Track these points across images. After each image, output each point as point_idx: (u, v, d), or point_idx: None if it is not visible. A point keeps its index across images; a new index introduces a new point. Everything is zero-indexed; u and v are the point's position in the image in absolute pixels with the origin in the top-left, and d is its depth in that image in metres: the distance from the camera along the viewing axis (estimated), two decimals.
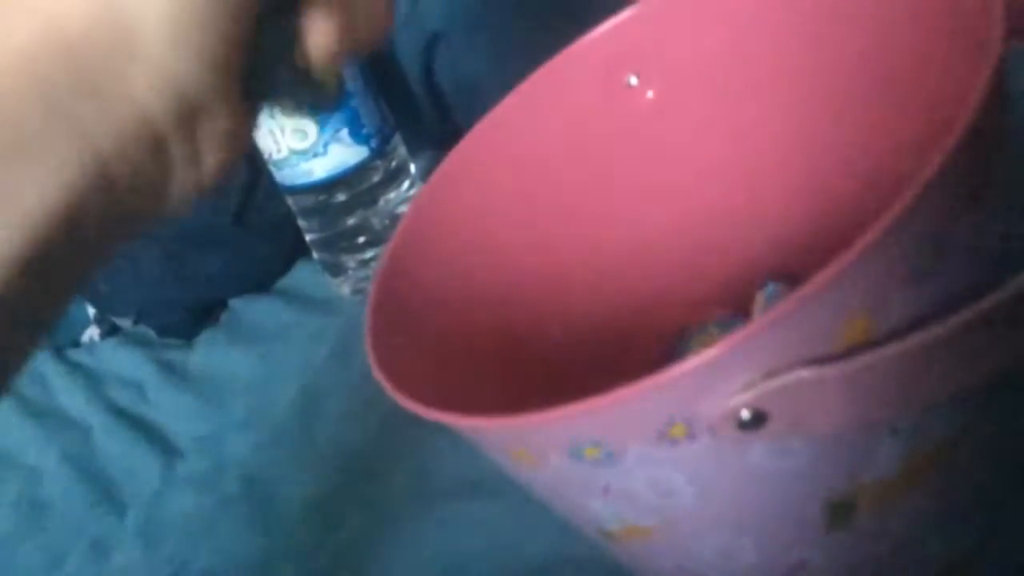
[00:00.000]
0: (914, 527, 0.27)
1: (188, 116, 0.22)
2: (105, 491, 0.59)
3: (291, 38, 0.25)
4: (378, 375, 0.30)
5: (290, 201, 0.62)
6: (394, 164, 0.61)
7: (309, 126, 0.57)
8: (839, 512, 0.26)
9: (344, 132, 0.58)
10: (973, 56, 0.26)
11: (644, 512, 0.28)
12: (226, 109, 0.23)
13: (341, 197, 0.60)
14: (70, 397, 0.67)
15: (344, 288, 0.64)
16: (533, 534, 0.43)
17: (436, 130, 0.67)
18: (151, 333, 0.70)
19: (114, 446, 0.62)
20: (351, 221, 0.61)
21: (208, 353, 0.67)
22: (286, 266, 0.70)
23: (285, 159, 0.58)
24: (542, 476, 0.29)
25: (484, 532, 0.45)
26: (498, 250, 0.40)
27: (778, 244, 0.42)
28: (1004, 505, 0.29)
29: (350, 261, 0.63)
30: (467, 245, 0.40)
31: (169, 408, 0.63)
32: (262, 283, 0.70)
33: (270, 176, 0.61)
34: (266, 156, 0.59)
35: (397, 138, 0.62)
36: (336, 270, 0.64)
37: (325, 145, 0.58)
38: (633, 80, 0.40)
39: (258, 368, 0.63)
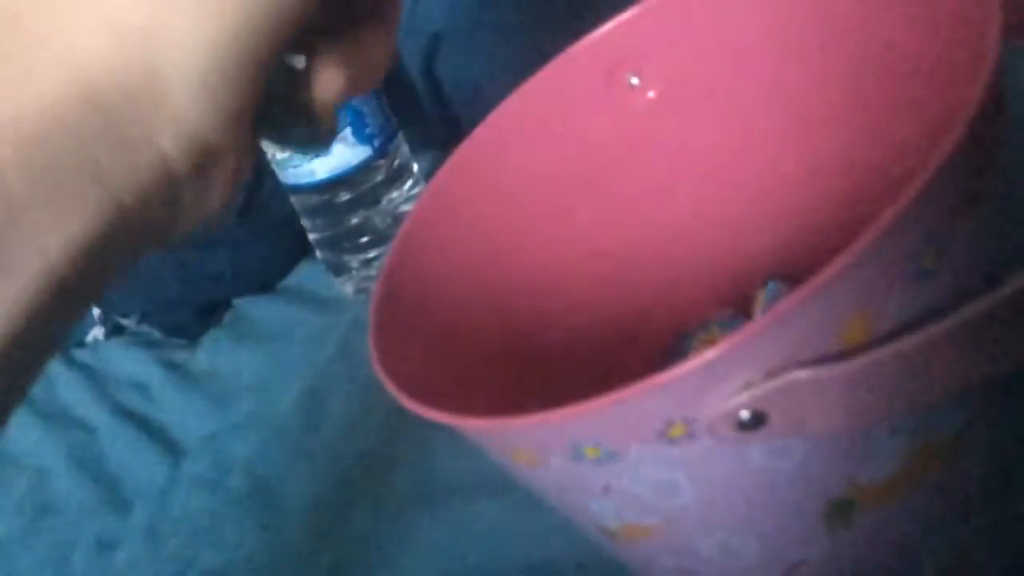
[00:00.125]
0: (914, 526, 0.28)
1: (203, 160, 0.23)
2: (111, 490, 0.59)
3: (299, 83, 0.26)
4: (381, 375, 0.31)
5: (293, 201, 0.62)
6: (397, 163, 0.62)
7: None
8: (839, 511, 0.26)
9: (347, 132, 0.58)
10: (971, 55, 0.26)
11: (645, 511, 0.28)
12: (237, 150, 0.23)
13: (344, 197, 0.60)
14: (75, 397, 0.67)
15: (347, 287, 0.64)
16: (535, 533, 0.43)
17: (438, 130, 0.67)
18: (156, 333, 0.71)
19: (119, 446, 0.62)
20: (354, 221, 0.61)
21: (213, 353, 0.67)
22: (290, 266, 0.70)
23: (288, 159, 0.58)
24: (543, 476, 0.29)
25: (487, 531, 0.45)
26: (501, 250, 0.40)
27: (779, 243, 0.42)
28: (1004, 504, 0.29)
29: (353, 261, 0.63)
30: (470, 245, 0.40)
31: (174, 408, 0.64)
32: (266, 283, 0.70)
33: (273, 176, 0.61)
34: (269, 156, 0.59)
35: (400, 138, 0.62)
36: (339, 269, 0.64)
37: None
38: (634, 80, 0.40)
39: (262, 368, 0.63)
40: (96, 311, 0.72)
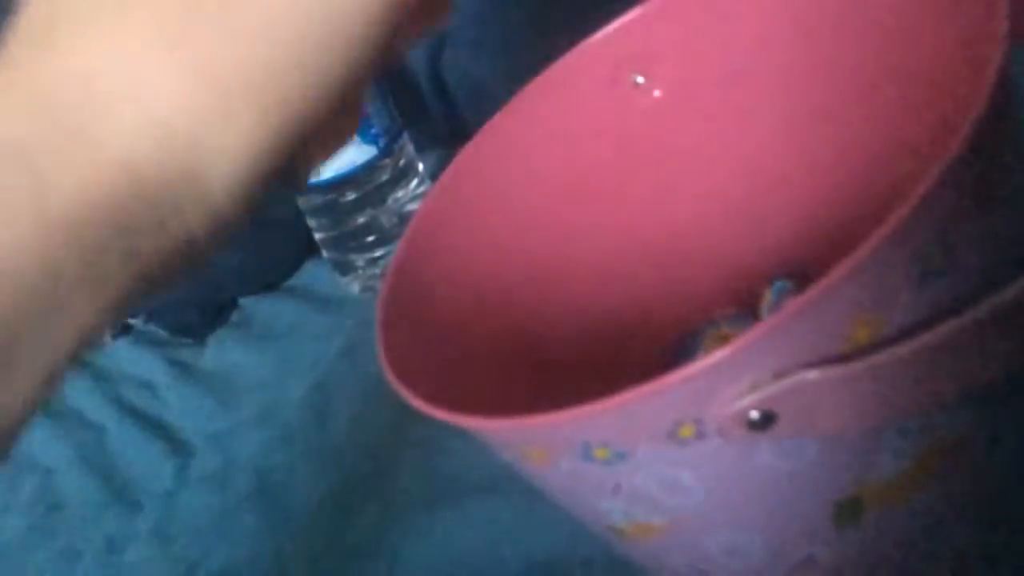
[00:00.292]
0: (922, 526, 0.28)
1: (222, 235, 0.25)
2: (119, 490, 0.60)
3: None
4: (389, 375, 0.31)
5: (299, 200, 0.62)
6: (402, 163, 0.62)
7: None
8: (847, 511, 0.27)
9: None
10: (979, 56, 0.26)
11: (654, 510, 0.28)
12: (246, 218, 0.25)
13: (350, 196, 0.60)
14: (83, 397, 0.67)
15: (354, 286, 0.64)
16: (542, 531, 0.43)
17: (444, 128, 0.67)
18: (162, 333, 0.71)
19: (127, 445, 0.62)
20: (360, 220, 0.62)
21: (219, 352, 0.67)
22: (296, 265, 0.71)
23: None
24: (552, 475, 0.29)
25: (494, 528, 0.45)
26: (507, 249, 0.41)
27: (786, 241, 0.42)
28: (1013, 504, 0.29)
29: (359, 260, 0.63)
30: (477, 244, 0.40)
31: (181, 407, 0.64)
32: (272, 282, 0.70)
33: None
34: None
35: (405, 137, 0.62)
36: (345, 269, 0.64)
37: None
38: (640, 79, 0.41)
39: (269, 366, 0.63)
40: None
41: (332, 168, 0.59)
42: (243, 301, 0.70)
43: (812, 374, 0.24)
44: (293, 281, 0.70)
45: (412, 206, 0.62)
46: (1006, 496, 0.29)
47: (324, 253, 0.65)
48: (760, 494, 0.26)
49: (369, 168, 0.60)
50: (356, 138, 0.58)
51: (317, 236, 0.64)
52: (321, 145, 0.28)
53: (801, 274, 0.40)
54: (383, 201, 0.61)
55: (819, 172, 0.40)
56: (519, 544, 0.44)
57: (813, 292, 0.23)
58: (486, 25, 0.61)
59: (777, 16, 0.38)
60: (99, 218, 0.22)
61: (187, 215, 0.23)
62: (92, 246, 0.22)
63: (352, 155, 0.59)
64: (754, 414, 0.24)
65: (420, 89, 0.66)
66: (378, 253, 0.63)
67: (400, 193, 0.62)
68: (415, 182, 0.63)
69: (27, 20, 0.23)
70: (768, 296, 0.41)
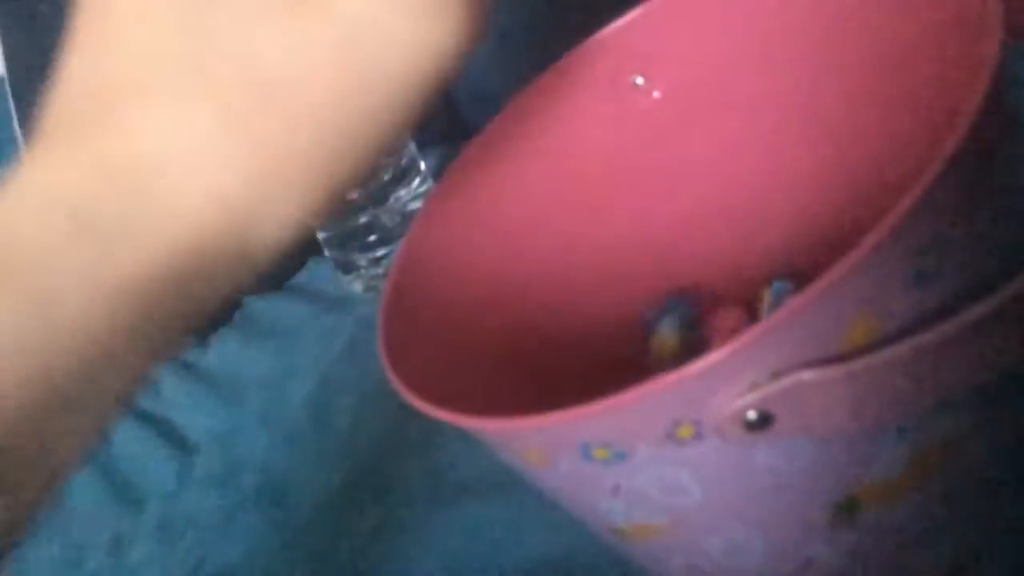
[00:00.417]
0: (920, 525, 0.28)
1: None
2: (123, 489, 0.60)
3: None
4: (390, 376, 0.31)
5: None
6: (404, 162, 0.62)
7: None
8: (845, 511, 0.27)
9: None
10: (975, 54, 0.26)
11: (653, 511, 0.28)
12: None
13: (352, 195, 0.61)
14: None
15: (356, 286, 0.64)
16: (545, 530, 0.43)
17: (445, 127, 0.67)
18: None
19: (131, 444, 0.62)
20: (362, 219, 0.62)
21: (222, 351, 0.67)
22: (298, 264, 0.71)
23: None
24: (552, 476, 0.29)
25: (497, 528, 0.45)
26: (508, 249, 0.41)
27: (785, 242, 0.42)
28: (1010, 503, 0.29)
29: (362, 259, 0.63)
30: (478, 244, 0.40)
31: (185, 406, 0.64)
32: (275, 281, 0.70)
33: None
34: None
35: (407, 135, 0.62)
36: (348, 268, 0.64)
37: None
38: (639, 80, 0.41)
39: (272, 365, 0.64)
40: None
41: None
42: (246, 300, 0.70)
43: (809, 374, 0.24)
44: (296, 280, 0.70)
45: (414, 205, 0.62)
46: (1003, 496, 0.29)
47: (327, 252, 0.65)
48: (758, 494, 0.27)
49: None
50: None
51: (319, 235, 0.64)
52: None
53: (800, 275, 0.40)
54: (385, 200, 0.62)
55: (818, 173, 0.40)
56: (521, 545, 0.44)
57: (810, 292, 0.23)
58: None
59: (776, 17, 0.38)
60: (163, 284, 0.23)
61: (237, 276, 0.24)
62: (155, 308, 0.23)
63: None
64: (751, 414, 0.24)
65: None
66: (380, 252, 0.63)
67: (402, 192, 0.62)
68: (417, 181, 0.63)
69: (93, 87, 0.24)
70: (767, 297, 0.41)
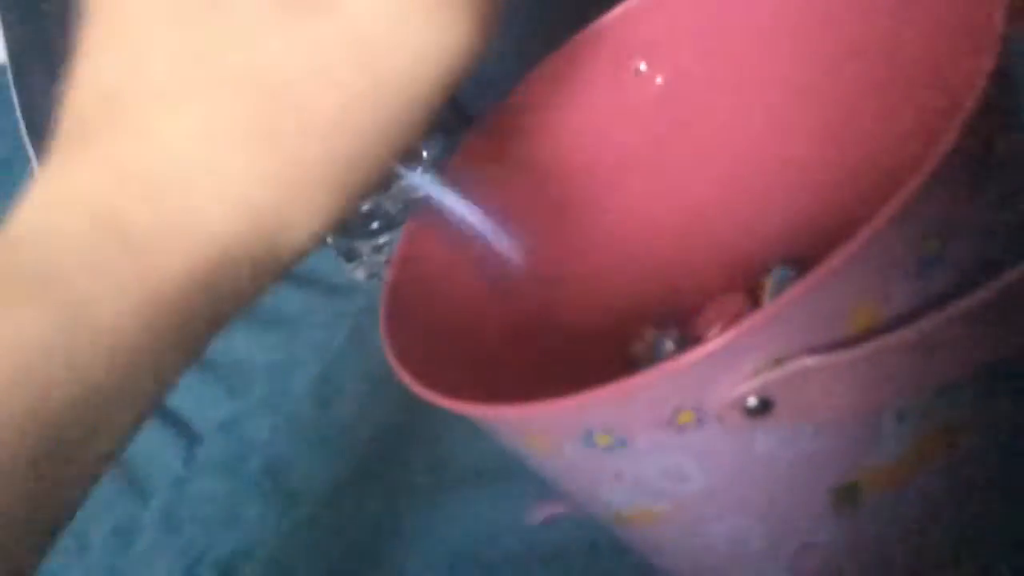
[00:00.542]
0: (920, 511, 0.28)
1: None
2: (128, 477, 0.60)
3: None
4: (393, 363, 0.31)
5: None
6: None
7: None
8: (845, 496, 0.27)
9: None
10: (977, 43, 0.26)
11: (655, 497, 0.28)
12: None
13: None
14: None
15: (359, 273, 0.64)
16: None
17: (447, 115, 0.67)
18: None
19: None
20: (364, 206, 0.62)
21: (226, 338, 0.66)
22: None
23: None
24: (555, 462, 0.30)
25: (500, 516, 0.45)
26: (511, 236, 0.41)
27: (787, 228, 0.42)
28: (1010, 489, 0.29)
29: (364, 247, 0.63)
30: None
31: (189, 394, 0.64)
32: None
33: None
34: None
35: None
36: (350, 256, 0.64)
37: None
38: (643, 66, 0.40)
39: (276, 353, 0.64)
40: None
41: None
42: None
43: (811, 360, 0.24)
44: (298, 268, 0.70)
45: (416, 193, 0.62)
46: (1004, 480, 0.29)
47: (329, 240, 0.65)
48: (759, 480, 0.27)
49: None
50: None
51: None
52: None
53: (801, 262, 0.40)
54: (387, 187, 0.61)
55: (820, 159, 0.40)
56: (524, 530, 0.44)
57: (812, 279, 0.23)
58: None
59: (780, 3, 0.38)
60: (192, 291, 0.23)
61: (262, 280, 0.25)
62: (187, 315, 0.23)
63: None
64: (752, 401, 0.24)
65: None
66: (383, 240, 0.63)
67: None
68: (419, 169, 0.63)
69: (111, 91, 0.24)
70: (769, 284, 0.41)
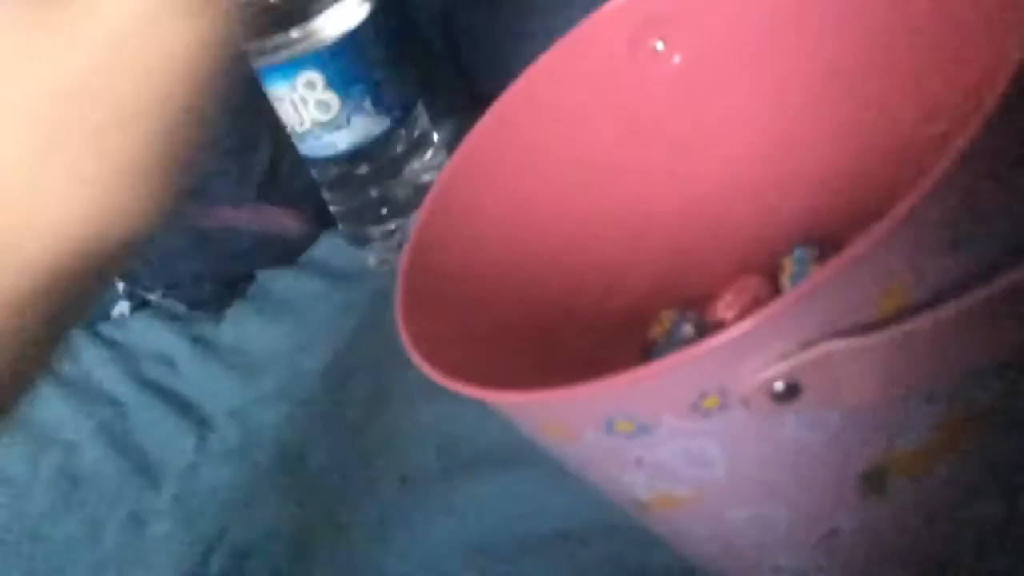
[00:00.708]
0: (948, 496, 0.27)
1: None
2: (140, 465, 0.60)
3: None
4: (409, 348, 0.31)
5: (314, 173, 0.62)
6: (417, 134, 0.61)
7: (332, 98, 0.57)
8: (872, 481, 0.26)
9: (367, 103, 0.58)
10: (1009, 19, 0.25)
11: (677, 482, 0.28)
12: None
13: (364, 168, 0.60)
14: (103, 371, 0.68)
15: (370, 259, 0.64)
16: (563, 501, 0.43)
17: (458, 97, 0.66)
18: (180, 307, 0.71)
19: (147, 420, 0.63)
20: (375, 192, 0.61)
21: (237, 326, 0.67)
22: (311, 238, 0.70)
23: (308, 131, 0.58)
24: (574, 449, 0.29)
25: (514, 500, 0.45)
26: (526, 219, 0.40)
27: (806, 208, 0.41)
28: None
29: (375, 232, 0.63)
30: (494, 216, 0.40)
31: (200, 381, 0.64)
32: (288, 256, 0.70)
33: (294, 149, 0.61)
34: (289, 129, 0.59)
35: (419, 106, 0.61)
36: (361, 241, 0.64)
37: (348, 117, 0.57)
38: (659, 45, 0.40)
39: (287, 340, 0.63)
40: (121, 285, 0.73)
41: (346, 140, 0.58)
42: (260, 275, 0.70)
43: (839, 344, 0.23)
44: (309, 254, 0.70)
45: (427, 177, 0.62)
46: None
47: (340, 226, 0.65)
48: (785, 465, 0.26)
49: (383, 139, 0.59)
50: (370, 109, 0.58)
51: (332, 209, 0.64)
52: None
53: (823, 241, 0.40)
54: (398, 173, 0.61)
55: (842, 137, 0.39)
56: (539, 515, 0.44)
57: (841, 261, 0.23)
58: None
59: None
60: (34, 308, 0.24)
61: (111, 269, 0.25)
62: (24, 322, 0.24)
63: (366, 126, 0.58)
64: (779, 385, 0.24)
65: (433, 56, 0.66)
66: (393, 225, 0.62)
67: (415, 164, 0.61)
68: (430, 153, 0.62)
69: None
70: (789, 265, 0.40)
